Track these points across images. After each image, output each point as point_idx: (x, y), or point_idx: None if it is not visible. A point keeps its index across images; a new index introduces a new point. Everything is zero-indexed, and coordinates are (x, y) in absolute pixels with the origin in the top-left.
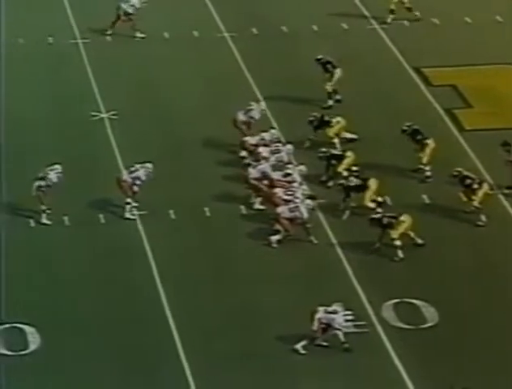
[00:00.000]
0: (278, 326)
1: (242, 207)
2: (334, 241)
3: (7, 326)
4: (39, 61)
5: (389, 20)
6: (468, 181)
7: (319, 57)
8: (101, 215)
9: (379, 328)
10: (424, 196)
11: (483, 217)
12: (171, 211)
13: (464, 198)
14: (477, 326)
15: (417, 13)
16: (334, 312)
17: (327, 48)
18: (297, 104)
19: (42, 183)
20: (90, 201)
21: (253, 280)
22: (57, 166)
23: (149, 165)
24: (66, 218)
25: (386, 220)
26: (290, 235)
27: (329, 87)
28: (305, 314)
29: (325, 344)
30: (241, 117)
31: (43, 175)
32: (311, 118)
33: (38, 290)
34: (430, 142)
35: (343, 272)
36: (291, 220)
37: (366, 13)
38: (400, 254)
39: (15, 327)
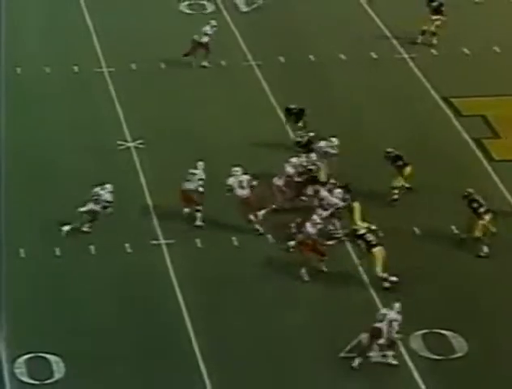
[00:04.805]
0: (305, 354)
1: (270, 236)
2: (360, 269)
3: (32, 355)
4: (65, 90)
5: (419, 40)
6: (475, 205)
7: (291, 106)
8: (127, 245)
9: (407, 358)
10: (453, 227)
11: (485, 248)
12: (197, 240)
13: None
14: (507, 356)
15: (435, 40)
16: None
17: (355, 77)
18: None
19: (96, 207)
20: (116, 230)
21: (281, 309)
22: (107, 186)
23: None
24: (92, 247)
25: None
26: (324, 259)
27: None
28: (330, 343)
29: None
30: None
31: (96, 197)
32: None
33: (63, 319)
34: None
35: (371, 301)
36: (314, 244)
37: (395, 42)
38: (387, 284)
39: (40, 356)
